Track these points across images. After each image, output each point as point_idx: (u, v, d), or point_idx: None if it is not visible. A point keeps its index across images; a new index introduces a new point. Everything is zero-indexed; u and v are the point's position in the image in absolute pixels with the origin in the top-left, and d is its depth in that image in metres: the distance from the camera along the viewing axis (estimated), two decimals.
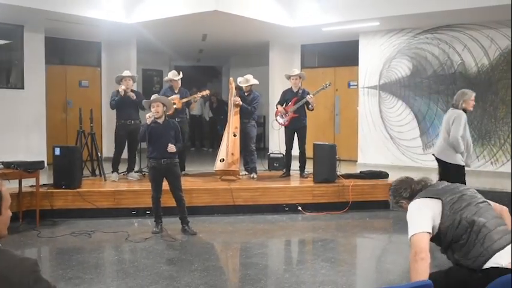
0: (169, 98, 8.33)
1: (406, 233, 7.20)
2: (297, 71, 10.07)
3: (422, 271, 3.03)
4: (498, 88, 10.61)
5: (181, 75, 9.61)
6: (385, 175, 9.65)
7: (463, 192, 3.41)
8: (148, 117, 7.12)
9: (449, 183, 3.61)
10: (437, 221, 3.31)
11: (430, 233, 3.25)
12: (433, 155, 7.46)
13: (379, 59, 11.95)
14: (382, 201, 9.16)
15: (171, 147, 7.03)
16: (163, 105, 7.15)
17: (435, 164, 10.99)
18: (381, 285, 5.34)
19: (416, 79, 11.51)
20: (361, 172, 9.86)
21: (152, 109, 7.09)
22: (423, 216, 3.31)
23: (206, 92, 9.70)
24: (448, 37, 11.10)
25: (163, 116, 7.17)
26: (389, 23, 11.09)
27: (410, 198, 3.58)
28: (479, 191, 3.54)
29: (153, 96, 7.40)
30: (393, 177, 9.54)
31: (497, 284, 2.66)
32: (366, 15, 10.60)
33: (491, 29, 10.58)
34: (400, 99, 11.72)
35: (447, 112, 7.37)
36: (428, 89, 11.37)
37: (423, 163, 11.33)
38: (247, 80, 9.79)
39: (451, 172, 7.04)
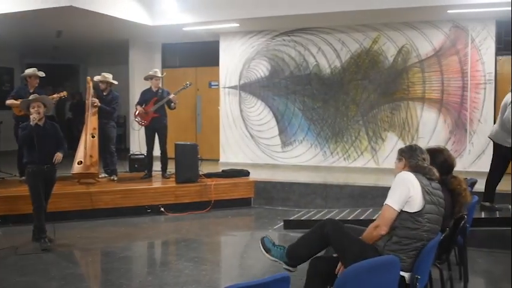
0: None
1: (267, 229, 7.44)
2: (158, 71, 9.95)
3: (370, 239, 3.65)
4: (349, 89, 11.28)
5: (42, 74, 8.94)
6: (246, 173, 9.86)
7: None
8: (33, 118, 6.38)
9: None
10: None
11: (399, 211, 3.55)
12: (489, 137, 7.39)
13: (239, 59, 12.17)
14: (244, 198, 9.38)
15: (58, 157, 6.54)
16: (44, 105, 6.55)
17: (294, 161, 11.55)
18: (244, 281, 5.44)
19: (274, 79, 11.89)
20: (223, 171, 9.99)
21: (32, 110, 6.43)
22: (404, 192, 3.55)
23: (63, 94, 9.18)
24: (303, 40, 11.59)
25: (44, 118, 6.61)
26: (248, 25, 11.33)
27: (411, 167, 3.79)
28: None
29: (32, 96, 6.82)
30: (254, 175, 9.83)
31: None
32: (226, 17, 10.74)
33: (343, 33, 11.22)
34: (259, 99, 12.03)
35: (506, 96, 7.13)
36: (285, 89, 11.79)
37: (282, 160, 11.75)
38: (105, 78, 9.47)
39: (503, 153, 7.01)
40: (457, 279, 5.38)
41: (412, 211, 3.54)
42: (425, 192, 3.58)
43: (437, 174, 3.83)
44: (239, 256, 6.84)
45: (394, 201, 3.56)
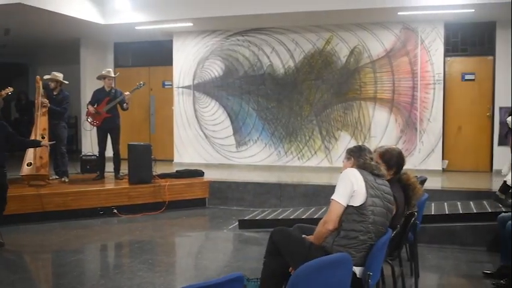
0: None
1: (222, 229, 7.43)
2: (111, 71, 9.79)
3: (320, 236, 3.72)
4: (303, 89, 11.37)
5: None
6: (200, 173, 9.82)
7: None
8: None
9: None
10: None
11: (345, 206, 3.63)
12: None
13: (193, 59, 12.10)
14: (199, 199, 9.34)
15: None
16: None
17: (249, 161, 11.56)
18: (199, 282, 5.41)
19: (228, 79, 11.88)
20: (177, 171, 9.92)
21: None
22: (348, 187, 3.63)
23: (9, 90, 8.88)
24: (257, 40, 11.62)
25: None
26: (202, 24, 11.28)
27: (359, 166, 3.84)
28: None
29: None
30: (208, 175, 9.80)
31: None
32: (179, 16, 10.67)
33: (296, 33, 11.31)
34: (213, 99, 11.99)
35: None
36: (240, 89, 11.79)
37: (236, 160, 11.75)
38: (56, 77, 9.25)
39: None
40: (409, 275, 5.51)
41: (356, 205, 3.62)
42: (368, 186, 3.66)
43: (384, 171, 3.93)
44: (194, 257, 6.81)
45: (339, 196, 3.65)
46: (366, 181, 3.66)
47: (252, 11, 10.14)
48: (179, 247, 7.53)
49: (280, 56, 11.47)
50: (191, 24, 11.15)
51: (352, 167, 3.88)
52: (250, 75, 11.71)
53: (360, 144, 4.23)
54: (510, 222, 5.45)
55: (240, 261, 6.28)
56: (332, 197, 3.69)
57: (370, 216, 3.62)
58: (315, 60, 11.27)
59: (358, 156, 3.93)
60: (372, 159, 3.94)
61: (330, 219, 3.65)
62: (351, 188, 3.62)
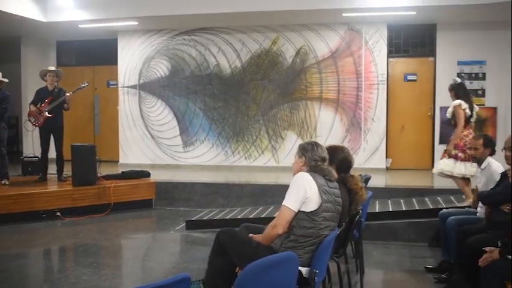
0: None
1: (169, 231, 7.34)
2: (53, 67, 9.53)
3: (268, 238, 3.71)
4: (249, 88, 11.41)
5: None
6: (146, 174, 9.69)
7: None
8: None
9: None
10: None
11: (296, 212, 3.62)
12: None
13: (138, 58, 11.94)
14: (145, 200, 9.21)
15: None
16: None
17: (196, 161, 11.50)
18: (145, 284, 5.34)
19: (175, 79, 11.78)
20: (122, 172, 9.75)
21: None
22: (301, 193, 3.59)
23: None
24: (204, 39, 11.57)
25: None
26: (147, 23, 11.15)
27: (310, 167, 3.79)
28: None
29: None
30: (155, 176, 9.69)
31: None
32: (124, 14, 10.51)
33: (243, 33, 11.33)
34: (159, 99, 11.87)
35: None
36: (186, 88, 11.72)
37: (184, 161, 11.67)
38: None
39: None
40: (354, 272, 5.60)
41: (308, 211, 3.63)
42: (322, 192, 3.66)
43: (335, 175, 3.94)
44: (140, 259, 6.71)
45: (291, 202, 3.63)
46: (319, 187, 3.66)
47: (198, 10, 10.10)
48: (125, 249, 7.41)
49: (227, 56, 11.46)
50: (136, 23, 11.00)
51: (303, 166, 3.87)
52: (196, 75, 11.65)
53: (313, 141, 4.11)
54: (451, 218, 5.63)
55: (187, 262, 6.24)
56: (284, 203, 3.66)
57: (321, 222, 3.65)
58: (261, 61, 11.32)
59: (310, 156, 3.86)
60: (324, 159, 3.89)
61: (280, 223, 3.64)
62: (304, 195, 3.61)
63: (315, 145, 3.93)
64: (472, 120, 7.26)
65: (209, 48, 11.56)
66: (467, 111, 7.08)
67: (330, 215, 3.73)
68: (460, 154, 7.09)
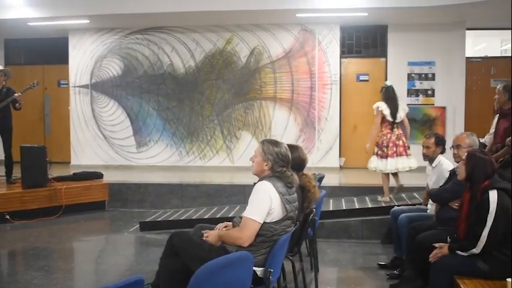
0: None
1: (123, 232, 7.24)
2: (1, 66, 9.25)
3: (230, 242, 3.70)
4: (204, 88, 11.36)
5: None
6: (99, 175, 9.54)
7: None
8: None
9: None
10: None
11: (262, 223, 3.60)
12: None
13: (90, 57, 11.71)
14: (98, 202, 9.06)
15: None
16: None
17: (150, 162, 11.37)
18: (98, 287, 5.26)
19: (128, 79, 11.61)
20: (74, 174, 9.55)
21: None
22: (266, 206, 3.58)
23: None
24: (157, 38, 11.45)
25: None
26: (99, 22, 10.95)
27: (274, 172, 3.73)
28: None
29: None
30: (108, 177, 9.54)
31: None
32: (74, 12, 10.28)
33: (197, 32, 11.27)
34: (112, 99, 11.67)
35: None
36: (139, 88, 11.57)
37: (137, 161, 11.52)
38: None
39: None
40: (309, 270, 5.66)
41: (271, 221, 3.64)
42: (284, 202, 3.67)
43: (297, 181, 3.94)
44: (93, 262, 6.59)
45: (256, 215, 3.60)
46: (281, 198, 3.66)
47: (151, 9, 9.98)
48: (77, 252, 7.26)
49: (181, 56, 11.38)
50: (88, 21, 10.79)
51: (267, 170, 3.80)
52: (150, 75, 11.52)
53: (279, 141, 3.91)
54: (402, 215, 5.76)
55: (142, 264, 6.17)
56: (248, 216, 3.61)
57: (283, 230, 3.69)
58: (215, 60, 11.29)
59: (277, 162, 3.77)
60: (289, 163, 3.84)
61: (247, 237, 3.59)
62: (269, 206, 3.61)
63: (283, 151, 3.81)
64: (397, 121, 7.76)
65: (163, 48, 11.45)
66: (385, 112, 7.67)
67: (289, 223, 3.77)
68: (379, 152, 7.70)
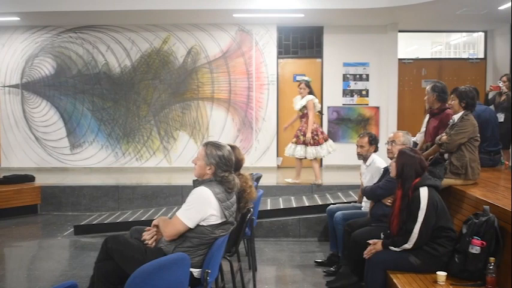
0: None
1: (56, 237, 7.04)
2: None
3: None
4: (140, 88, 11.18)
5: None
6: (31, 178, 9.22)
7: None
8: None
9: None
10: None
11: (191, 227, 3.60)
12: None
13: (20, 56, 11.30)
14: (30, 205, 8.78)
15: None
16: None
17: (85, 164, 11.09)
18: None
19: (61, 78, 11.28)
20: (4, 177, 9.19)
21: None
22: (201, 212, 3.58)
23: None
24: (92, 37, 11.18)
25: None
26: (30, 19, 10.58)
27: (216, 176, 3.72)
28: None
29: None
30: (40, 180, 9.25)
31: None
32: (4, 9, 9.88)
33: (133, 32, 11.08)
34: (44, 99, 11.30)
35: None
36: (73, 88, 11.26)
37: (71, 163, 11.21)
38: None
39: None
40: (247, 269, 5.68)
41: (208, 224, 3.63)
42: (224, 208, 3.67)
43: (238, 185, 3.95)
44: (25, 268, 6.35)
45: (188, 219, 3.59)
46: (220, 205, 3.65)
47: (85, 7, 9.72)
48: (8, 259, 6.98)
49: (116, 55, 11.16)
50: (18, 18, 10.40)
51: (210, 175, 3.77)
52: (84, 74, 11.24)
53: (222, 144, 3.86)
54: (338, 213, 5.87)
55: (77, 269, 6.01)
56: (180, 216, 3.60)
57: (221, 233, 3.69)
58: (152, 60, 11.15)
59: (219, 167, 3.75)
60: (231, 166, 3.82)
61: (171, 233, 3.64)
62: (205, 214, 3.60)
63: (226, 154, 3.77)
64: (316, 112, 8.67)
65: (97, 47, 11.19)
66: (318, 104, 8.60)
67: (228, 226, 3.76)
68: (311, 141, 8.40)
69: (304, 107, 8.44)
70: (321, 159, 8.77)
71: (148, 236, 3.85)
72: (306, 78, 8.80)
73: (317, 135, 8.44)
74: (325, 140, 8.52)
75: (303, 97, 8.50)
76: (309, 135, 8.34)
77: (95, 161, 11.20)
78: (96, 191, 8.86)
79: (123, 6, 9.65)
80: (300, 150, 8.45)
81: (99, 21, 10.81)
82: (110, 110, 11.23)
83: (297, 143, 8.53)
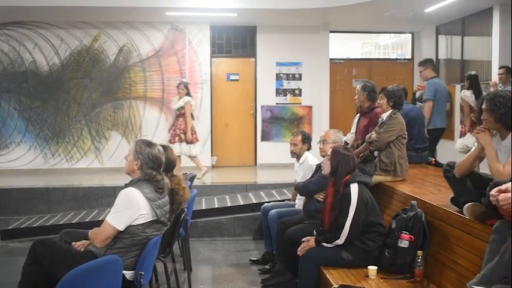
0: None
1: None
2: None
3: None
4: (70, 87, 10.86)
5: None
6: None
7: None
8: None
9: None
10: None
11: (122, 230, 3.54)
12: None
13: None
14: None
15: None
16: None
17: (12, 165, 10.67)
18: None
19: None
20: None
21: None
22: (130, 214, 3.51)
23: None
24: (18, 34, 10.76)
25: None
26: None
27: (145, 174, 3.67)
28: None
29: None
30: None
31: None
32: None
33: (62, 29, 10.74)
34: None
35: None
36: None
37: (1, 165, 10.75)
38: None
39: None
40: (182, 270, 5.64)
41: (139, 223, 3.57)
42: (154, 208, 3.61)
43: (169, 186, 3.90)
44: None
45: (117, 222, 3.53)
46: (150, 204, 3.60)
47: (10, 2, 9.33)
48: None
49: (44, 53, 10.80)
50: None
51: (137, 170, 3.70)
52: (10, 72, 10.81)
53: (152, 142, 3.81)
54: (272, 211, 5.92)
55: (4, 276, 5.78)
56: (109, 220, 3.54)
57: (153, 233, 3.64)
58: (82, 58, 10.86)
59: (146, 163, 3.68)
60: (160, 165, 3.77)
61: (102, 239, 3.56)
62: (133, 215, 3.54)
63: (155, 153, 3.71)
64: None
65: (24, 44, 10.78)
66: (194, 108, 9.35)
67: (160, 225, 3.72)
68: (188, 139, 8.97)
69: (182, 107, 8.98)
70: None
71: (78, 243, 3.77)
72: (184, 80, 9.48)
73: (192, 134, 9.07)
74: (197, 140, 9.20)
75: (180, 98, 9.04)
76: (189, 134, 8.93)
77: (23, 163, 10.79)
78: (24, 194, 8.53)
79: (52, 2, 9.33)
80: (177, 147, 8.83)
81: (26, 17, 10.43)
82: (38, 110, 10.85)
83: (180, 141, 9.00)
